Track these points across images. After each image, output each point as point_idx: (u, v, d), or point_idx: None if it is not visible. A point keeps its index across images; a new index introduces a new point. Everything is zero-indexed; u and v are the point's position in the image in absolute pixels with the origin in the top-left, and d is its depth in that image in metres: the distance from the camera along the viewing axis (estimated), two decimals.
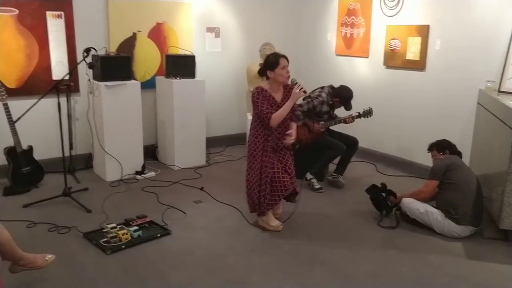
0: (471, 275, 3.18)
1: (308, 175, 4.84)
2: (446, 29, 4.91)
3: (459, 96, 4.86)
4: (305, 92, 3.55)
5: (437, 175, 3.84)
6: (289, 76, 3.59)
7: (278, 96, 3.66)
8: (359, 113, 4.89)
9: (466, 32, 4.73)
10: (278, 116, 3.54)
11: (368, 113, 4.91)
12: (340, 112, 5.03)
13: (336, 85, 4.99)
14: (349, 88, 4.91)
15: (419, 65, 5.17)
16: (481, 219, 3.77)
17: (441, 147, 4.00)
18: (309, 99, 4.80)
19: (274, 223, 3.79)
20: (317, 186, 4.76)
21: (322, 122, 4.87)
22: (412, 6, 5.20)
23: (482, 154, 4.32)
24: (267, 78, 3.62)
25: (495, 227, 3.73)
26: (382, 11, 5.54)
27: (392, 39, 5.42)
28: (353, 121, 4.90)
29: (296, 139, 4.58)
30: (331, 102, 4.88)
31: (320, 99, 4.81)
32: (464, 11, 4.72)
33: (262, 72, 3.65)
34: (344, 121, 4.90)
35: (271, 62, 3.55)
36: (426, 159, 4.60)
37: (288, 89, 3.69)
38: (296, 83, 3.59)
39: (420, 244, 3.61)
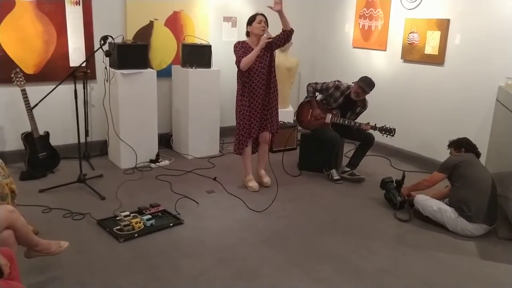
0: (484, 275, 3.15)
1: (325, 170, 4.92)
2: (466, 23, 4.81)
3: (478, 93, 4.77)
4: (269, 38, 4.02)
5: (444, 169, 3.89)
6: (263, 29, 4.10)
7: None
8: (375, 124, 4.73)
9: (487, 27, 4.63)
10: (246, 59, 4.10)
11: (388, 130, 4.69)
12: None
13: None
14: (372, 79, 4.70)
15: (437, 59, 5.09)
16: (496, 218, 3.73)
17: (458, 144, 3.98)
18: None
19: (252, 183, 4.45)
20: (336, 177, 4.77)
21: (330, 115, 4.85)
22: None
23: (499, 152, 4.25)
24: (249, 34, 4.24)
25: (509, 227, 3.69)
26: (402, 4, 5.45)
27: (410, 33, 5.34)
28: (369, 129, 4.73)
29: (298, 118, 5.08)
30: (347, 93, 4.77)
31: (337, 83, 4.83)
32: (486, 6, 4.62)
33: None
34: (359, 126, 4.73)
35: (250, 19, 4.20)
36: (442, 155, 4.54)
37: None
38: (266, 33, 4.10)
39: (432, 242, 3.59)
